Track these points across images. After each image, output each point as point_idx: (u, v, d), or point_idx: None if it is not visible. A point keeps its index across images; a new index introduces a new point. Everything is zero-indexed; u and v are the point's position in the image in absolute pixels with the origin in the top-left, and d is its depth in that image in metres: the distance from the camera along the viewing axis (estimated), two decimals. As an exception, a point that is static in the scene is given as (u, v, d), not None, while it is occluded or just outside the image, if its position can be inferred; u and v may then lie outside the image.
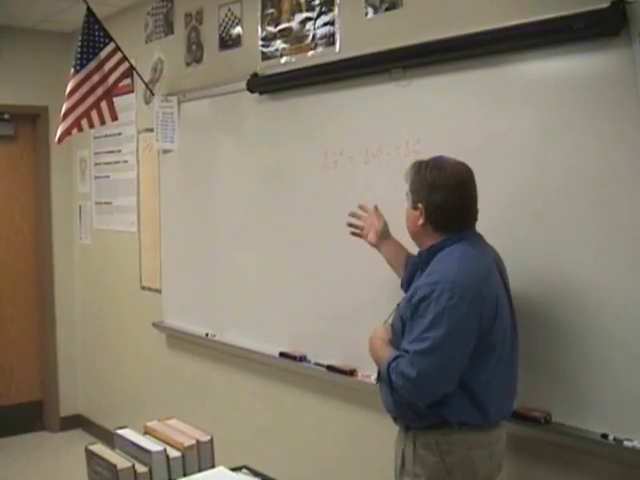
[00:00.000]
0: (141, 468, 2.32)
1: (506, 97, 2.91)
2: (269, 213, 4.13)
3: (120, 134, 5.57)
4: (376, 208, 3.08)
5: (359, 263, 3.53)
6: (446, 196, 2.53)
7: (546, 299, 2.74)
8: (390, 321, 2.72)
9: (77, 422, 6.36)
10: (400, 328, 2.58)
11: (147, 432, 2.52)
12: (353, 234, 3.16)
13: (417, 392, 2.45)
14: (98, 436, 5.75)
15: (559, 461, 2.77)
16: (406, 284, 2.92)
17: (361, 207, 3.13)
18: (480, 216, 2.61)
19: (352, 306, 3.59)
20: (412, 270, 2.85)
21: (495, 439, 2.57)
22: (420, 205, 2.57)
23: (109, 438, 2.58)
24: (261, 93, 4.09)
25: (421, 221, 2.57)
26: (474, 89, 3.03)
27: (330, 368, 3.68)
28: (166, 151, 4.94)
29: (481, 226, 2.63)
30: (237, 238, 4.40)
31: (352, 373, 3.56)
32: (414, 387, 2.43)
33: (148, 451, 2.35)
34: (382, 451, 3.45)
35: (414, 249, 2.82)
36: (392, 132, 3.37)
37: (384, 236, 3.05)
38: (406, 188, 2.64)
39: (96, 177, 5.99)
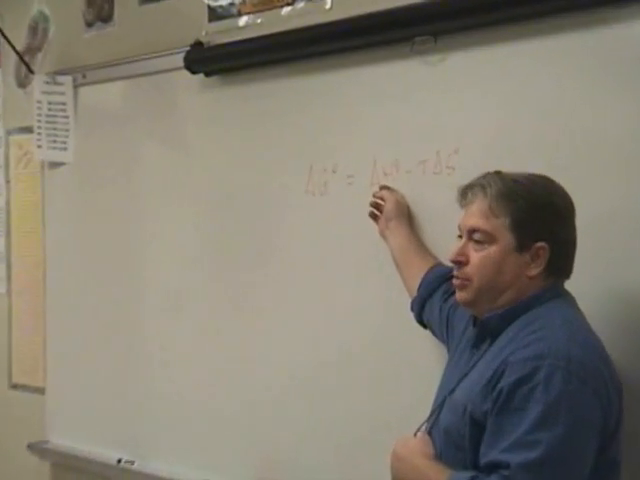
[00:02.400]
0: None
1: (599, 76, 3.04)
2: (222, 265, 4.25)
3: None
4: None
5: (364, 346, 3.68)
6: (573, 228, 2.71)
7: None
8: (425, 429, 2.81)
9: None
10: (466, 432, 2.62)
11: None
12: (372, 216, 3.40)
13: None
14: None
15: None
16: (418, 306, 3.11)
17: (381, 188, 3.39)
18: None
19: (355, 410, 3.72)
20: (433, 287, 3.05)
21: None
22: (543, 244, 2.66)
23: None
24: (208, 74, 4.20)
25: (537, 269, 2.68)
26: (547, 66, 3.15)
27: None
28: (55, 164, 5.04)
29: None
30: (169, 307, 4.49)
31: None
32: None
33: None
34: None
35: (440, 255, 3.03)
36: (415, 137, 3.50)
37: (401, 215, 3.28)
38: (476, 219, 2.71)
39: (-64, 205, 6.05)
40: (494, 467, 2.47)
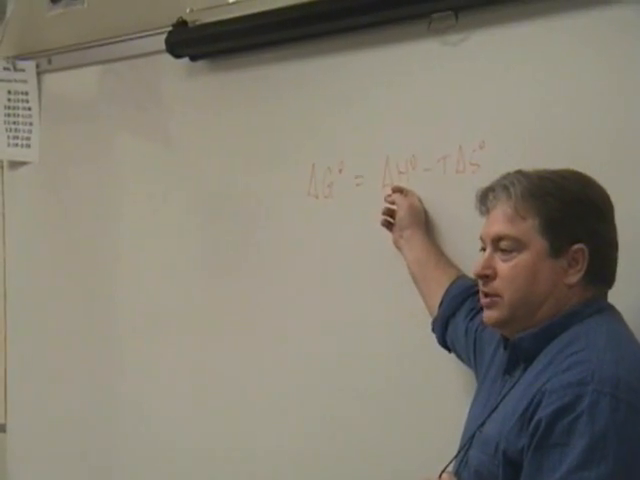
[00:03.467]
0: None
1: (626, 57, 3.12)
2: (209, 278, 4.31)
3: None
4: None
5: (374, 363, 3.75)
6: (613, 227, 2.72)
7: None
8: (450, 469, 2.81)
9: None
10: (499, 472, 2.61)
11: None
12: (385, 224, 3.43)
13: None
14: None
15: None
16: (440, 326, 3.12)
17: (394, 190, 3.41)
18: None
19: (362, 456, 3.78)
20: (457, 303, 3.09)
21: None
22: (580, 246, 2.65)
23: None
24: (193, 58, 4.26)
25: (577, 276, 2.67)
26: (586, 45, 3.21)
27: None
28: (17, 163, 5.09)
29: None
30: (149, 325, 4.55)
31: None
32: None
33: None
34: None
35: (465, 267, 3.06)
36: (434, 129, 3.56)
37: (418, 220, 3.32)
38: (501, 226, 2.72)
39: None
40: None
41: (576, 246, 2.65)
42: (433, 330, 3.25)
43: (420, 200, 3.32)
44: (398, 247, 3.39)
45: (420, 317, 3.49)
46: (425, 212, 3.32)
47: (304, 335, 3.96)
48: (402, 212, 3.34)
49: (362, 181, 3.75)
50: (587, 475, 2.38)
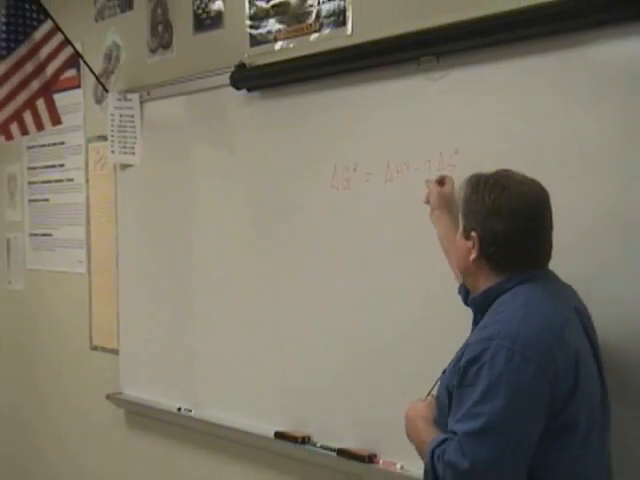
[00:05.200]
0: None
1: (575, 90, 2.99)
2: (263, 249, 4.23)
3: (63, 144, 5.69)
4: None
5: (381, 316, 3.63)
6: (508, 223, 2.52)
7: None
8: (434, 393, 2.74)
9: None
10: (446, 402, 2.56)
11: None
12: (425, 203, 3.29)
13: None
14: None
15: None
16: (464, 290, 2.97)
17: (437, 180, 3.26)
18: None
19: (371, 372, 3.68)
20: None
21: None
22: (473, 233, 2.57)
23: None
24: (250, 89, 4.19)
25: (474, 255, 2.58)
26: (531, 81, 3.11)
27: (341, 452, 3.76)
28: (125, 166, 5.05)
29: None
30: (221, 282, 4.49)
31: (371, 459, 3.64)
32: None
33: None
34: None
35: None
36: (422, 140, 3.46)
37: (447, 204, 3.16)
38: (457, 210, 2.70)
39: (30, 200, 6.11)
40: (453, 434, 2.43)
41: (472, 233, 2.59)
42: (459, 292, 3.06)
43: (454, 186, 3.12)
44: (432, 222, 3.23)
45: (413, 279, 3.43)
46: (452, 198, 3.12)
47: (330, 277, 3.90)
48: (432, 197, 3.20)
49: (370, 177, 3.68)
50: (484, 407, 2.35)
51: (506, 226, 2.52)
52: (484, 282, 2.60)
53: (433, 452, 2.46)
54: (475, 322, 2.69)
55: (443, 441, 2.44)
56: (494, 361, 2.36)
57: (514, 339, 2.36)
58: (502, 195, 2.53)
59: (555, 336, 2.42)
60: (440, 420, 2.60)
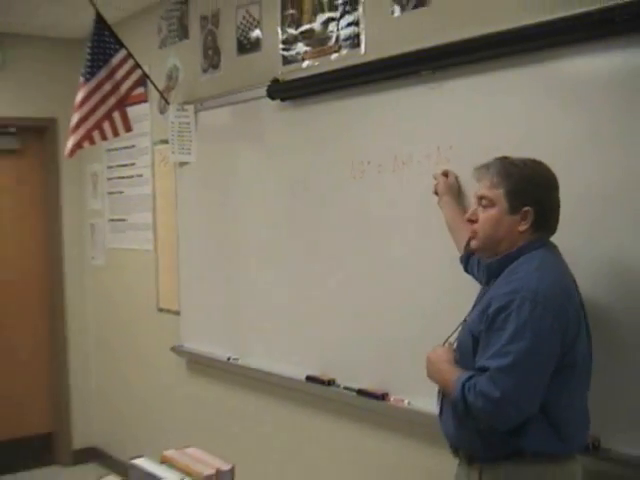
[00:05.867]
0: (157, 499, 2.38)
1: (545, 97, 2.94)
2: (294, 227, 4.21)
3: (134, 146, 5.70)
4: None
5: (391, 280, 3.60)
6: (550, 193, 2.55)
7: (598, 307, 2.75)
8: (452, 340, 2.70)
9: (91, 455, 6.48)
10: (470, 345, 2.55)
11: (164, 461, 2.57)
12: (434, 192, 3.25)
13: (499, 414, 2.40)
14: (114, 470, 5.83)
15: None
16: (465, 260, 3.00)
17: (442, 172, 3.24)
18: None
19: (384, 326, 3.65)
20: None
21: (572, 472, 2.51)
22: (528, 208, 2.52)
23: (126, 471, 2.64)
24: (283, 100, 4.16)
25: (525, 226, 2.53)
26: (510, 90, 3.06)
27: (360, 392, 3.74)
28: (183, 164, 5.05)
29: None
30: (260, 255, 4.48)
31: (384, 397, 3.61)
32: (497, 408, 2.37)
33: (165, 482, 2.41)
34: (419, 477, 3.55)
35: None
36: (422, 138, 3.42)
37: (451, 192, 3.14)
38: (483, 190, 2.61)
39: (109, 193, 6.14)
40: (482, 370, 2.43)
41: (525, 208, 2.51)
42: (461, 262, 3.06)
43: (457, 179, 3.17)
44: (440, 207, 3.21)
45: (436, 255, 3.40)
46: (458, 187, 3.18)
47: (353, 250, 3.86)
48: (440, 186, 3.18)
49: (381, 169, 3.64)
50: (512, 347, 2.38)
51: (550, 199, 2.55)
52: (509, 247, 2.57)
53: (463, 385, 2.45)
54: (486, 282, 2.67)
55: (471, 377, 2.44)
56: (520, 310, 2.38)
57: (535, 293, 2.39)
58: (550, 173, 2.57)
59: (565, 293, 2.46)
60: (462, 360, 2.58)
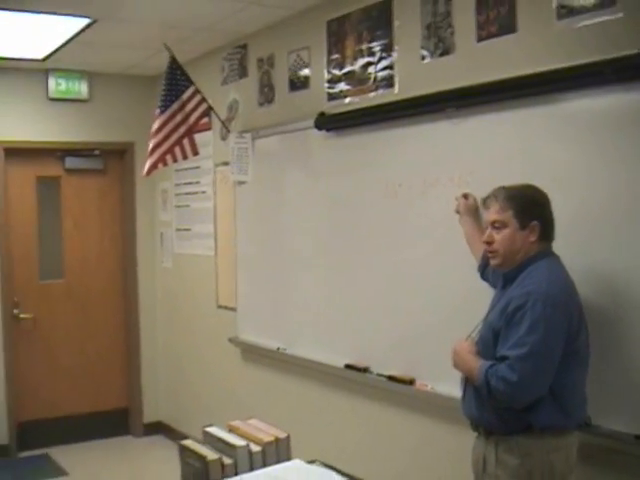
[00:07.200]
0: (227, 460, 2.50)
1: (548, 133, 3.04)
2: (335, 237, 4.25)
3: (199, 167, 5.75)
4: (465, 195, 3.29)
5: (417, 282, 3.67)
6: (548, 210, 2.69)
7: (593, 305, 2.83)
8: (473, 335, 2.80)
9: (158, 428, 6.58)
10: (491, 339, 2.65)
11: (231, 430, 2.69)
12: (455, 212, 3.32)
13: (517, 396, 2.53)
14: (176, 441, 5.89)
15: (596, 461, 2.88)
16: (481, 269, 3.09)
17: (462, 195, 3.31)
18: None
19: (411, 321, 3.72)
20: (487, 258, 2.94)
21: (571, 443, 2.65)
22: (535, 222, 2.65)
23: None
24: (328, 130, 4.21)
25: (533, 238, 2.65)
26: (519, 126, 3.15)
27: (390, 378, 3.81)
28: (241, 183, 5.08)
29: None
30: (306, 260, 4.52)
31: (411, 382, 3.68)
32: (515, 391, 2.51)
33: (233, 446, 2.53)
34: (442, 453, 3.62)
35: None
36: (446, 165, 3.49)
37: (470, 212, 3.20)
38: (494, 215, 2.70)
39: (177, 206, 6.20)
40: (502, 358, 2.56)
41: (532, 223, 2.67)
42: (478, 270, 3.15)
43: (475, 200, 3.21)
44: (460, 224, 3.28)
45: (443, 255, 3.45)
46: (476, 207, 3.22)
47: (386, 259, 3.92)
48: (461, 206, 3.27)
49: (411, 190, 3.70)
50: (528, 339, 2.51)
51: (548, 212, 2.69)
52: (523, 257, 2.67)
53: (486, 372, 2.57)
54: (502, 287, 2.76)
55: (492, 365, 2.57)
56: (534, 308, 2.51)
57: (546, 295, 2.53)
58: (542, 193, 2.70)
59: (569, 295, 2.61)
60: (483, 352, 2.68)
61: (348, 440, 4.25)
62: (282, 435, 2.61)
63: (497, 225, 2.70)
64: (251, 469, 2.52)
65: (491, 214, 2.73)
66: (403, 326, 3.77)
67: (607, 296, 2.82)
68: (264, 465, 2.54)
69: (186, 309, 6.15)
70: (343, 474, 2.50)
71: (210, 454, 2.52)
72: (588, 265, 2.85)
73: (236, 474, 2.47)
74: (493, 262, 2.77)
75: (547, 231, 2.69)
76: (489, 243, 2.73)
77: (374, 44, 3.92)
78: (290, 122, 4.58)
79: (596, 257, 2.85)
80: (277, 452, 2.59)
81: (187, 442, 2.61)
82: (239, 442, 2.55)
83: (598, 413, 2.80)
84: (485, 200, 2.79)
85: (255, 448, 2.56)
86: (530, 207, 2.67)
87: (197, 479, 2.52)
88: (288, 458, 2.60)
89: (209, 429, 2.66)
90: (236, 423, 2.72)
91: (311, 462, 2.61)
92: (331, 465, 2.60)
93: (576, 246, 2.88)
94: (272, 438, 2.60)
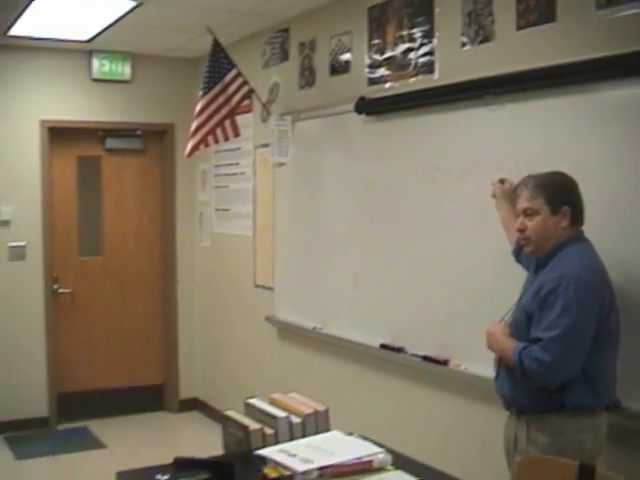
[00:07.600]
0: (268, 430, 2.64)
1: (584, 122, 3.09)
2: (372, 220, 4.31)
3: (239, 149, 5.82)
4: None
5: (453, 264, 3.74)
6: (578, 196, 2.75)
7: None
8: (507, 318, 2.87)
9: (194, 405, 6.73)
10: (524, 321, 2.72)
11: (272, 402, 2.83)
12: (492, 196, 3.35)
13: (550, 376, 2.60)
14: (212, 417, 6.11)
15: (626, 443, 2.95)
16: (515, 253, 3.13)
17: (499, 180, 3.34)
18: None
19: (445, 302, 3.79)
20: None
21: (601, 423, 2.72)
22: (566, 208, 2.70)
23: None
24: (367, 114, 4.27)
25: (566, 223, 2.71)
26: (555, 114, 3.21)
27: (425, 358, 3.88)
28: (280, 164, 5.15)
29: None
30: (343, 242, 4.59)
31: (445, 363, 3.76)
32: (548, 371, 2.59)
33: (274, 417, 2.67)
34: (475, 432, 3.70)
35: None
36: (483, 151, 3.55)
37: (506, 197, 3.23)
38: (525, 203, 2.76)
39: (216, 187, 6.29)
40: (536, 340, 2.64)
41: (563, 208, 2.72)
42: (512, 254, 3.19)
43: (511, 185, 3.19)
44: (496, 208, 3.32)
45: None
46: (512, 192, 3.18)
47: (422, 243, 3.99)
48: (497, 191, 3.29)
49: (449, 175, 3.75)
50: (561, 321, 2.58)
51: (577, 197, 2.75)
52: (555, 241, 2.73)
53: (520, 353, 2.65)
54: (535, 271, 2.81)
55: (526, 346, 2.64)
56: (567, 291, 2.58)
57: (578, 278, 2.60)
58: (572, 180, 2.77)
59: (600, 279, 2.68)
60: (516, 334, 2.76)
61: (383, 418, 4.31)
62: (321, 408, 2.74)
63: (529, 212, 2.76)
64: (291, 439, 2.64)
65: (522, 202, 2.79)
66: (437, 308, 3.84)
67: (637, 281, 2.87)
68: (304, 436, 2.67)
69: (224, 288, 6.24)
70: (380, 446, 2.59)
71: (252, 424, 2.65)
72: (618, 250, 2.90)
73: (277, 444, 2.60)
74: (527, 249, 2.84)
75: (577, 216, 2.75)
76: (522, 230, 2.79)
77: (415, 30, 3.98)
78: (330, 106, 4.63)
79: (627, 244, 2.91)
80: (316, 424, 2.72)
81: (230, 412, 2.75)
82: (280, 413, 2.68)
83: (628, 396, 2.86)
84: (515, 189, 2.88)
85: (295, 419, 2.69)
86: (560, 193, 2.74)
87: (239, 448, 2.66)
88: (327, 430, 2.72)
89: (251, 400, 2.79)
90: (277, 396, 2.86)
91: (348, 434, 2.72)
92: (367, 437, 2.70)
93: (608, 232, 2.93)
94: (312, 410, 2.73)
